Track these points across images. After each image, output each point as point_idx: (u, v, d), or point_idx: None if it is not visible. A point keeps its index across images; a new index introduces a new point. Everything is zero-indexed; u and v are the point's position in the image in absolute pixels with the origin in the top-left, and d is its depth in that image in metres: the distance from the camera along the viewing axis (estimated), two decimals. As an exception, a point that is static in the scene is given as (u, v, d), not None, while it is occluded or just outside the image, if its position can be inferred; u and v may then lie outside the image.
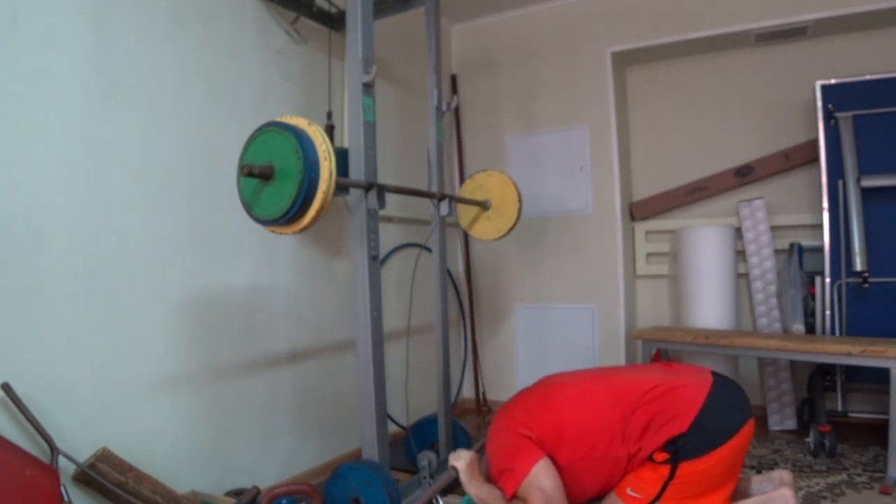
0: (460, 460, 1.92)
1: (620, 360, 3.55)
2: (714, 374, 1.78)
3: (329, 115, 2.75)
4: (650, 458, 1.64)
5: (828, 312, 3.00)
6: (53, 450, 1.69)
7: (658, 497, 1.64)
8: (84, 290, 1.88)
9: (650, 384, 1.73)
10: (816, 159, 3.13)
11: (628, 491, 1.67)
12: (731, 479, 1.69)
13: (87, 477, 1.76)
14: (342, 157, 2.15)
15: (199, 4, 2.30)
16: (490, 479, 1.89)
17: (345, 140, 2.70)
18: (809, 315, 3.11)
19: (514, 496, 1.74)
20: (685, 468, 1.60)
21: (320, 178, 1.64)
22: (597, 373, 1.96)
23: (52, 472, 1.60)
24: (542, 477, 1.70)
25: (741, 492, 1.83)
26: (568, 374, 2.00)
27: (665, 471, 1.61)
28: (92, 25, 1.93)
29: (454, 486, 2.50)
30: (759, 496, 1.77)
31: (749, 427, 1.68)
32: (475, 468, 1.91)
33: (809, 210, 3.36)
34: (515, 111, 3.94)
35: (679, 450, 1.60)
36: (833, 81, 3.04)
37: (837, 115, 3.00)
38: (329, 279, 2.89)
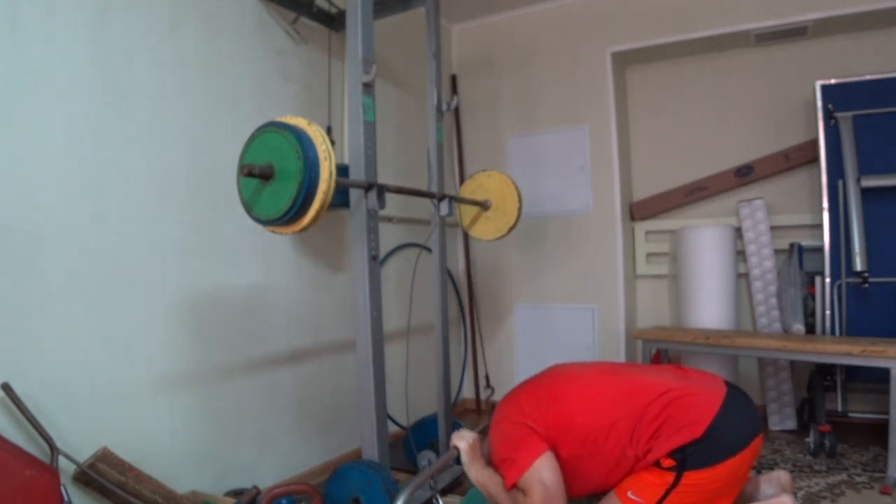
0: (463, 441, 1.89)
1: (621, 360, 3.55)
2: (727, 383, 1.75)
3: (328, 129, 2.76)
4: (656, 464, 1.62)
5: (828, 312, 3.00)
6: (53, 450, 1.69)
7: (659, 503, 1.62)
8: (84, 290, 1.88)
9: (663, 387, 1.69)
10: (816, 159, 3.13)
11: (629, 494, 1.65)
12: (732, 491, 1.67)
13: (87, 477, 1.76)
14: (342, 173, 2.17)
15: (199, 4, 2.30)
16: (490, 463, 1.87)
17: (345, 140, 2.70)
18: (809, 315, 3.11)
19: (514, 486, 1.72)
20: (690, 477, 1.58)
21: (320, 178, 1.64)
22: (609, 368, 1.92)
23: (52, 472, 1.60)
24: (543, 470, 1.68)
25: (745, 495, 1.81)
26: (579, 365, 1.96)
27: (670, 478, 1.59)
28: (92, 25, 1.93)
29: (454, 486, 2.50)
30: (759, 503, 1.76)
31: (758, 442, 1.65)
32: (477, 450, 1.88)
33: (809, 210, 3.36)
34: (515, 111, 3.94)
35: (687, 458, 1.58)
36: (833, 81, 3.04)
37: (837, 115, 3.00)
38: (329, 279, 2.89)
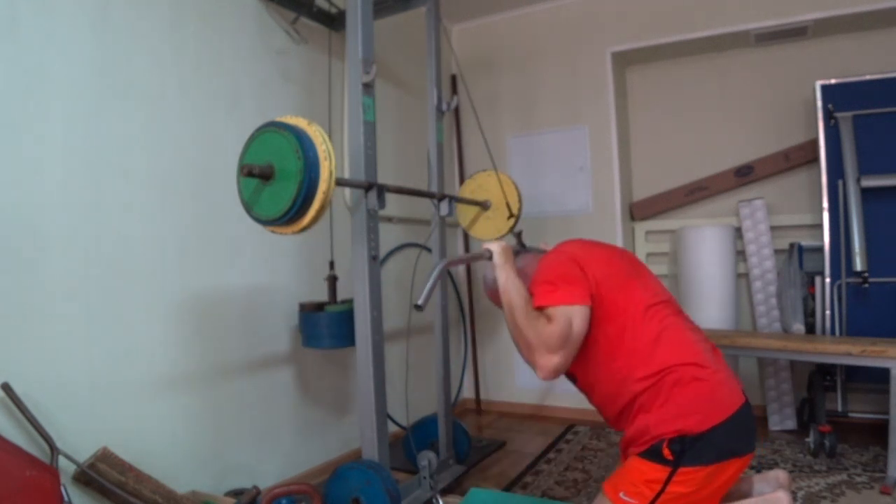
0: (496, 244, 1.79)
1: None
2: (743, 391, 1.69)
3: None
4: (657, 452, 1.58)
5: (828, 312, 3.01)
6: (53, 450, 1.69)
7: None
8: (84, 290, 1.88)
9: (699, 357, 1.61)
10: (816, 159, 3.13)
11: (621, 496, 1.64)
12: (715, 499, 1.65)
13: (87, 477, 1.76)
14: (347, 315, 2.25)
15: (199, 4, 2.31)
16: (520, 276, 1.75)
17: (345, 140, 2.70)
18: (809, 315, 3.11)
19: (541, 309, 1.62)
20: (682, 474, 1.57)
21: (320, 178, 1.64)
22: (671, 300, 1.79)
23: (52, 472, 1.60)
24: (577, 317, 1.58)
25: (740, 493, 1.81)
26: (649, 273, 1.85)
27: (664, 473, 1.57)
28: (92, 25, 1.93)
29: (454, 486, 2.50)
30: (754, 498, 1.76)
31: (748, 458, 1.62)
32: (511, 256, 1.78)
33: (809, 210, 3.36)
34: (515, 111, 3.94)
35: (686, 451, 1.55)
36: (833, 81, 3.04)
37: (837, 115, 3.00)
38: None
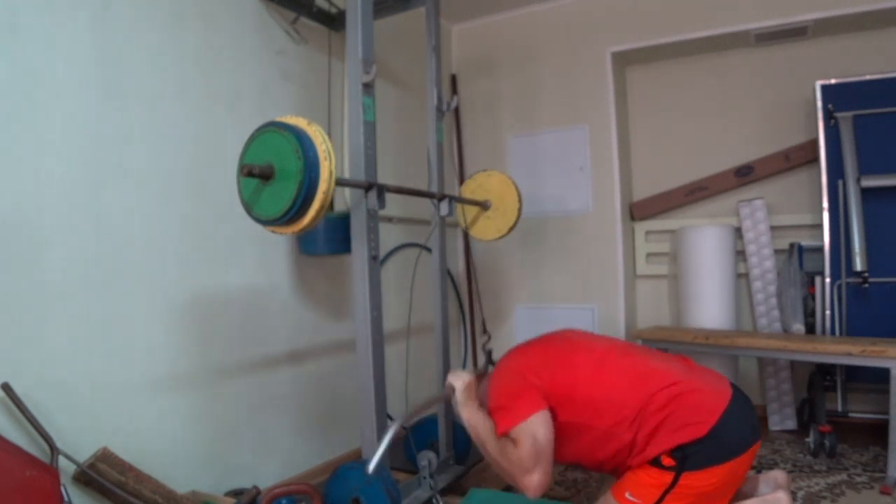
0: (459, 380, 1.85)
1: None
2: (732, 385, 1.74)
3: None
4: (657, 462, 1.60)
5: (828, 312, 3.00)
6: (53, 450, 1.69)
7: None
8: (84, 290, 1.88)
9: (671, 378, 1.67)
10: (816, 159, 3.12)
11: (626, 495, 1.64)
12: (727, 494, 1.65)
13: (87, 477, 1.76)
14: (342, 223, 2.29)
15: (199, 4, 2.30)
16: (484, 407, 1.83)
17: (345, 140, 2.70)
18: (809, 315, 3.11)
19: (505, 434, 1.70)
20: (688, 478, 1.57)
21: (320, 178, 1.64)
22: (621, 347, 1.89)
23: (52, 472, 1.60)
24: (538, 426, 1.66)
25: (743, 494, 1.81)
26: (593, 336, 1.95)
27: (668, 478, 1.58)
28: (92, 25, 1.93)
29: (454, 486, 2.50)
30: (755, 498, 1.76)
31: (756, 447, 1.65)
32: (472, 391, 1.84)
33: (809, 210, 3.36)
34: (515, 111, 3.94)
35: (687, 458, 1.56)
36: (833, 81, 3.04)
37: (837, 115, 3.00)
38: (329, 279, 2.89)
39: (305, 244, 2.64)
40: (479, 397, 1.87)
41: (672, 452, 1.58)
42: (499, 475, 1.82)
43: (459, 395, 1.83)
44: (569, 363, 1.77)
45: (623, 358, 1.79)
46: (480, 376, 2.00)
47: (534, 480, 1.64)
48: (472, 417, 1.79)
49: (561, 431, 1.70)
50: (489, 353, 2.24)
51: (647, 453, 1.62)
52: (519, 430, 1.67)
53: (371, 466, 1.63)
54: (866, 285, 2.92)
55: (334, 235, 2.54)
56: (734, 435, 1.61)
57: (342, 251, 2.45)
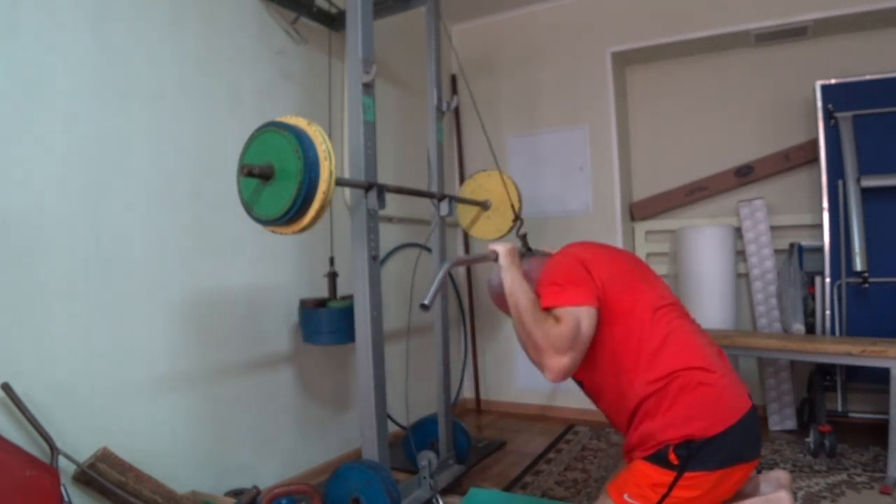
0: (501, 245, 1.77)
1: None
2: (750, 396, 1.68)
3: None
4: (662, 456, 1.57)
5: (828, 312, 3.00)
6: (53, 450, 1.69)
7: None
8: (84, 290, 1.88)
9: (707, 363, 1.60)
10: (816, 159, 3.12)
11: (625, 497, 1.63)
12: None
13: (87, 477, 1.76)
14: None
15: (199, 4, 2.31)
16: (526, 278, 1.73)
17: (345, 140, 2.70)
18: (809, 315, 3.11)
19: (549, 309, 1.60)
20: (687, 479, 1.56)
21: (320, 178, 1.64)
22: (680, 305, 1.81)
23: (52, 472, 1.60)
24: (585, 317, 1.57)
25: (744, 493, 1.81)
26: (657, 277, 1.87)
27: (669, 477, 1.56)
28: (92, 25, 1.93)
29: (454, 486, 2.50)
30: (756, 498, 1.75)
31: (754, 463, 1.61)
32: (516, 257, 1.76)
33: (809, 210, 3.36)
34: (515, 111, 3.94)
35: (692, 456, 1.54)
36: (833, 81, 3.04)
37: (837, 115, 3.00)
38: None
39: (308, 335, 2.52)
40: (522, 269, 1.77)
41: (677, 448, 1.55)
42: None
43: (503, 260, 1.73)
44: (633, 288, 1.68)
45: (677, 317, 1.71)
46: (525, 255, 1.90)
47: (562, 362, 1.54)
48: (514, 281, 1.67)
49: (593, 348, 1.62)
50: (524, 237, 2.15)
51: (656, 436, 1.55)
52: (566, 311, 1.57)
53: (427, 299, 1.60)
54: (866, 285, 2.92)
55: (339, 327, 2.44)
56: (742, 444, 1.56)
57: (346, 341, 2.42)
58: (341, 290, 2.58)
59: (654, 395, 1.58)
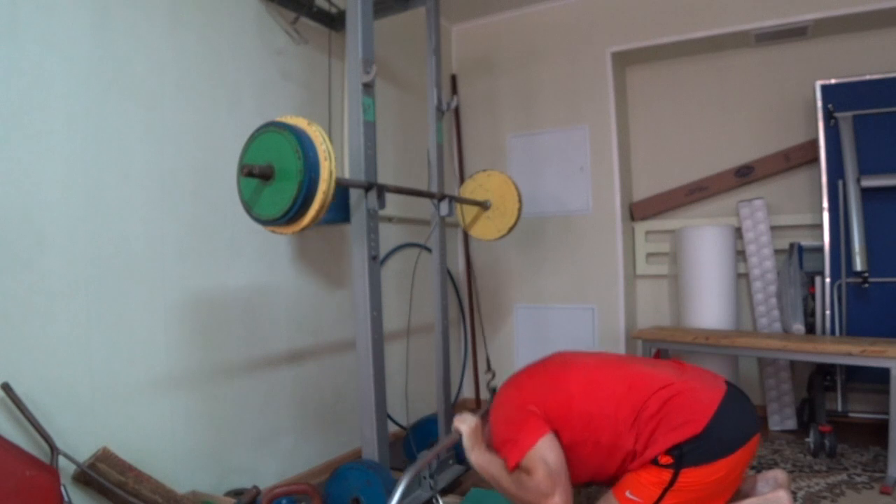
0: (464, 424, 1.86)
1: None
2: (727, 382, 1.76)
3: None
4: (654, 461, 1.62)
5: (828, 312, 3.01)
6: (53, 450, 1.69)
7: (656, 503, 1.62)
8: (84, 291, 1.88)
9: (664, 381, 1.70)
10: (816, 159, 3.13)
11: (627, 494, 1.65)
12: (728, 490, 1.67)
13: (87, 477, 1.76)
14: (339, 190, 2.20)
15: (199, 4, 2.30)
16: (491, 447, 1.85)
17: (345, 140, 2.70)
18: (809, 315, 3.11)
19: (517, 467, 1.71)
20: (687, 475, 1.58)
21: (320, 178, 1.64)
22: (610, 359, 1.93)
23: (52, 472, 1.60)
24: (546, 450, 1.68)
25: (742, 493, 1.82)
26: (581, 354, 1.96)
27: (667, 475, 1.59)
28: (92, 25, 1.93)
29: (454, 486, 2.50)
30: (755, 498, 1.76)
31: (755, 441, 1.66)
32: (479, 434, 1.86)
33: (809, 210, 3.36)
34: (515, 111, 3.94)
35: (684, 455, 1.58)
36: (833, 81, 3.04)
37: (837, 115, 3.00)
38: (329, 279, 2.89)
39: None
40: (485, 437, 1.90)
41: (669, 451, 1.59)
42: None
43: (466, 441, 1.85)
44: (562, 384, 1.80)
45: (613, 370, 1.82)
46: (485, 416, 2.01)
47: (556, 501, 1.65)
48: (480, 460, 1.80)
49: (569, 452, 1.73)
50: (493, 391, 2.26)
51: (645, 456, 1.64)
52: (529, 459, 1.68)
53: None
54: (866, 285, 2.92)
55: (333, 205, 2.42)
56: (731, 430, 1.63)
57: (341, 219, 2.37)
58: (341, 290, 2.58)
59: (636, 438, 1.66)
